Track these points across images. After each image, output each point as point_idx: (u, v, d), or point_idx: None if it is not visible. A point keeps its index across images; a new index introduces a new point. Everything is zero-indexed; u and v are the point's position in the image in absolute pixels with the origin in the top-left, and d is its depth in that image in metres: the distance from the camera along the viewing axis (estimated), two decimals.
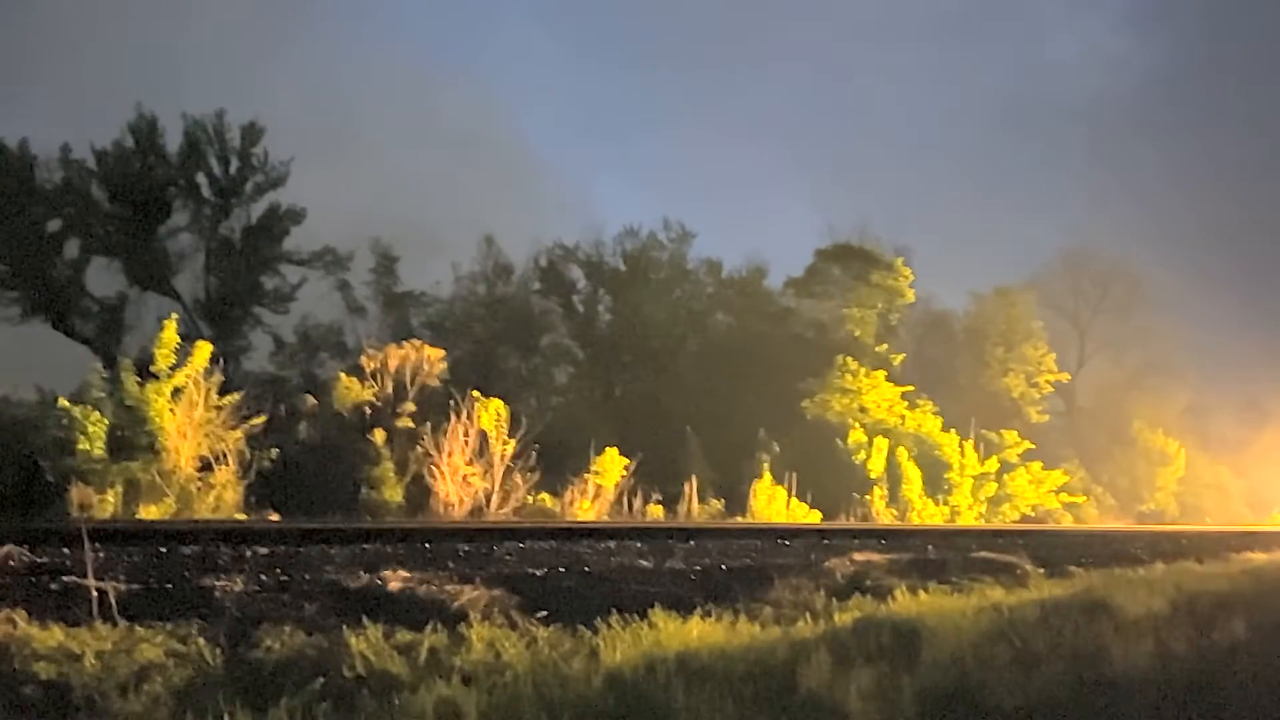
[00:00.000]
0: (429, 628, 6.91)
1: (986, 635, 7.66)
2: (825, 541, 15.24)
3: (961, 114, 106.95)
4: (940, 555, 15.28)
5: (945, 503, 35.20)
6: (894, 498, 32.77)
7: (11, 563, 7.44)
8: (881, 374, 36.22)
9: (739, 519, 25.77)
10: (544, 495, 22.87)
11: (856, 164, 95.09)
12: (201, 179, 29.27)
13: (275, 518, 16.95)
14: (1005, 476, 38.63)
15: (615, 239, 38.80)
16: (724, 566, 11.65)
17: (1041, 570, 14.87)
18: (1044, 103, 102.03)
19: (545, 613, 7.94)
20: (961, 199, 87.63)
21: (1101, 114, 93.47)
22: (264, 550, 9.07)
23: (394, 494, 21.17)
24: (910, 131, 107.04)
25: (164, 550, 8.57)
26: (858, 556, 13.49)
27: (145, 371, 18.50)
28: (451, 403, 21.95)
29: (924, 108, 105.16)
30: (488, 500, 21.64)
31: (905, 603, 9.97)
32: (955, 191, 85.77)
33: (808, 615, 8.73)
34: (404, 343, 24.97)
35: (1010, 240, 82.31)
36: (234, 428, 19.26)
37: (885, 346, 39.65)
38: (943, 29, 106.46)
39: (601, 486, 23.26)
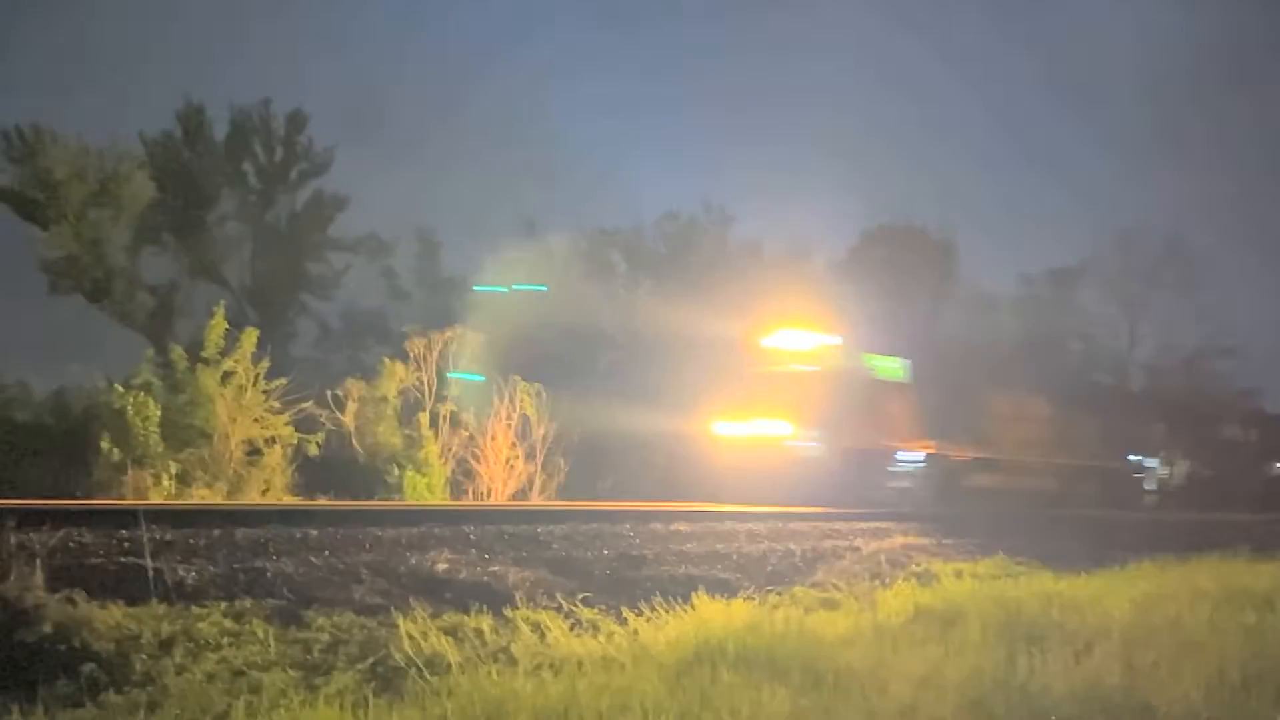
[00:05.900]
0: (474, 610, 7.00)
1: (1035, 620, 7.58)
2: (870, 525, 15.13)
3: (1011, 92, 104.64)
4: (985, 540, 15.11)
5: None
6: None
7: (71, 544, 7.64)
8: None
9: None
10: (586, 478, 22.96)
11: (903, 145, 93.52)
12: (247, 167, 29.65)
13: (324, 500, 17.22)
14: None
15: (655, 223, 38.64)
16: (768, 550, 11.64)
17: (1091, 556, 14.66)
18: (1097, 81, 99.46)
19: (589, 595, 8.01)
20: (1011, 180, 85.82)
21: (1156, 91, 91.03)
22: (314, 532, 9.20)
23: (438, 477, 21.39)
24: (957, 111, 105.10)
25: (217, 532, 8.73)
26: (903, 540, 13.42)
27: (195, 357, 18.84)
28: (494, 387, 22.08)
29: (972, 86, 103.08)
30: (530, 484, 21.79)
31: (951, 586, 9.90)
32: (1005, 172, 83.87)
33: (853, 599, 8.71)
34: (447, 327, 25.12)
35: (1061, 222, 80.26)
36: (281, 412, 19.56)
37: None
38: (993, 6, 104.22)
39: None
